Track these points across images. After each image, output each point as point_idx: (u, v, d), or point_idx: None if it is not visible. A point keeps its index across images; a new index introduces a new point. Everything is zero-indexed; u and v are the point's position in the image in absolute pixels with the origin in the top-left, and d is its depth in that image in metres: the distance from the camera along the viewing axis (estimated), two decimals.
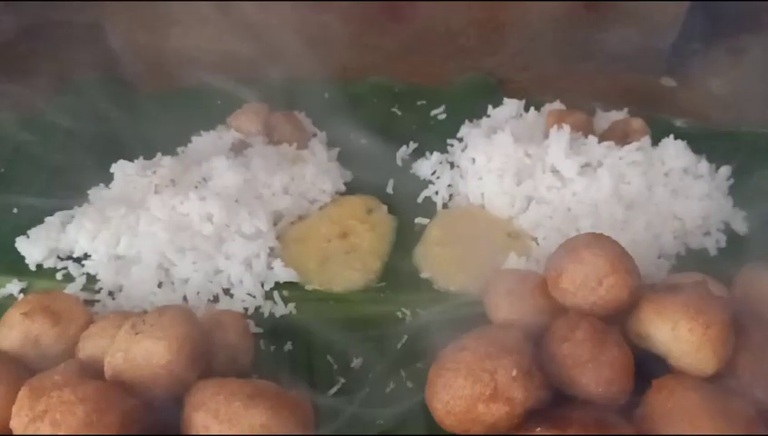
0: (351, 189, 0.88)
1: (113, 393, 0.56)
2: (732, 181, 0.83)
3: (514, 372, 0.57)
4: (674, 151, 0.83)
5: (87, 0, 0.98)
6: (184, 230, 0.75)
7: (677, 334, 0.59)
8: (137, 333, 0.58)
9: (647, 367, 0.62)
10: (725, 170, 0.83)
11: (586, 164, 0.81)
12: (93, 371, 0.61)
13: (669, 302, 0.60)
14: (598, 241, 0.64)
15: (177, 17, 0.96)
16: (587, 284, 0.62)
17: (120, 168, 0.82)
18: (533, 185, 0.81)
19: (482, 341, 0.59)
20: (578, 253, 0.63)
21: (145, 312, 0.71)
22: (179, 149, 0.89)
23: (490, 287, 0.68)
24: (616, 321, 0.63)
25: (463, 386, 0.57)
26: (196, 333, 0.60)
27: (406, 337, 0.71)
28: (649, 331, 0.61)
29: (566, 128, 0.82)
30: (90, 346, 0.63)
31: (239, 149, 0.86)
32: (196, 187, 0.78)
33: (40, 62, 1.06)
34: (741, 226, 0.80)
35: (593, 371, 0.58)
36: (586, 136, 0.84)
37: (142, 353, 0.57)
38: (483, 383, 0.56)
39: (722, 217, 0.80)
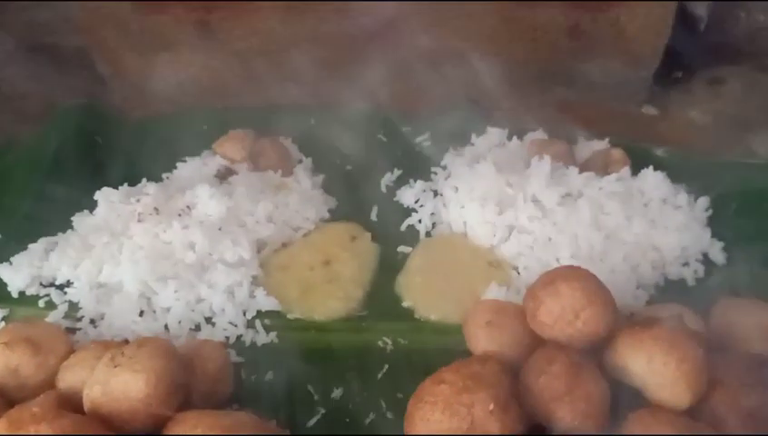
0: (336, 216, 0.88)
1: (91, 428, 0.56)
2: (710, 211, 0.84)
3: (491, 406, 0.57)
4: (653, 181, 0.84)
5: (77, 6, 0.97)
6: (167, 258, 0.75)
7: (652, 368, 0.60)
8: (116, 366, 0.59)
9: (623, 399, 0.62)
10: (704, 201, 0.84)
11: (567, 194, 0.82)
12: (72, 402, 0.61)
13: (645, 335, 0.61)
14: (576, 273, 0.65)
15: (164, 43, 0.96)
16: (564, 317, 0.63)
17: (104, 195, 0.82)
18: (514, 215, 0.81)
19: (460, 374, 0.60)
20: (556, 286, 0.64)
21: (126, 341, 0.72)
22: (164, 175, 0.90)
23: (470, 318, 0.69)
24: (594, 352, 0.64)
25: (440, 420, 0.57)
26: (175, 366, 0.60)
27: (387, 366, 0.71)
28: (625, 363, 0.61)
29: (548, 158, 0.83)
30: (69, 377, 0.63)
31: (224, 176, 0.87)
32: (179, 215, 0.78)
33: (27, 86, 1.06)
34: (719, 257, 0.80)
35: (569, 405, 0.59)
36: (567, 166, 0.85)
37: (121, 387, 0.57)
38: (460, 417, 0.57)
39: (700, 248, 0.81)
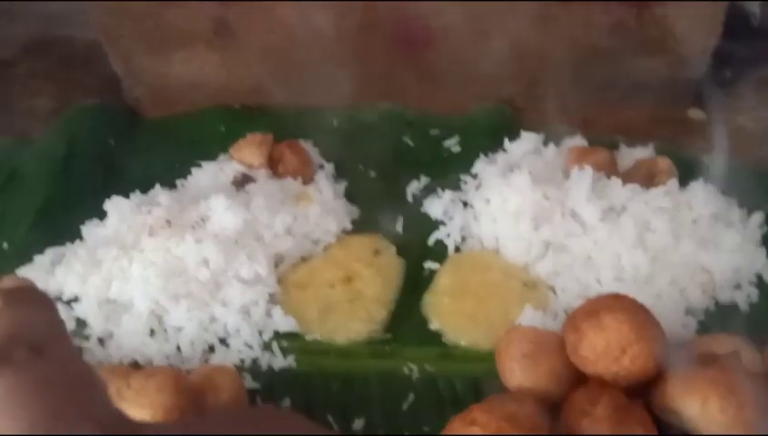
0: (358, 226, 0.83)
1: None
2: (765, 229, 0.78)
3: None
4: (703, 195, 0.78)
5: None
6: (179, 275, 0.71)
7: (707, 413, 0.54)
8: (121, 400, 0.55)
9: None
10: (758, 217, 0.78)
11: (609, 209, 0.76)
12: None
13: (699, 376, 0.55)
14: (622, 304, 0.59)
15: (179, 40, 0.92)
16: (610, 353, 0.57)
17: (114, 205, 0.78)
18: (551, 230, 0.76)
19: (494, 415, 0.55)
20: (599, 318, 0.58)
21: (135, 362, 0.68)
22: (178, 182, 0.85)
23: (504, 348, 0.63)
24: (640, 392, 0.59)
25: None
26: (184, 400, 0.56)
27: (412, 396, 0.66)
28: (676, 405, 0.56)
29: (588, 169, 0.77)
30: None
31: (241, 184, 0.82)
32: (193, 228, 0.73)
33: (38, 83, 1.02)
34: None
35: None
36: (609, 177, 0.79)
37: None
38: None
39: (754, 269, 0.74)
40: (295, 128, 0.93)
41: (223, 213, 0.74)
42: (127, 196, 0.80)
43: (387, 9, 0.90)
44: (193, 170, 0.86)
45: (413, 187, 0.87)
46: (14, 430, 0.22)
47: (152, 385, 0.55)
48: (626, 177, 0.80)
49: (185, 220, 0.74)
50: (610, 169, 0.81)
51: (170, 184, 0.84)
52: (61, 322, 0.26)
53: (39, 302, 0.26)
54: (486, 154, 0.88)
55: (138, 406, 0.54)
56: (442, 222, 0.82)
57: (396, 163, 0.92)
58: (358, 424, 0.64)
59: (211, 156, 0.88)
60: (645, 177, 0.81)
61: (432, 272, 0.78)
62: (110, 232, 0.76)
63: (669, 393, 0.56)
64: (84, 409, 0.23)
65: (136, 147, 0.93)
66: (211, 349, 0.70)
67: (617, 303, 0.59)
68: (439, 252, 0.80)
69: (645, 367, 0.57)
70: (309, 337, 0.71)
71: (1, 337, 0.25)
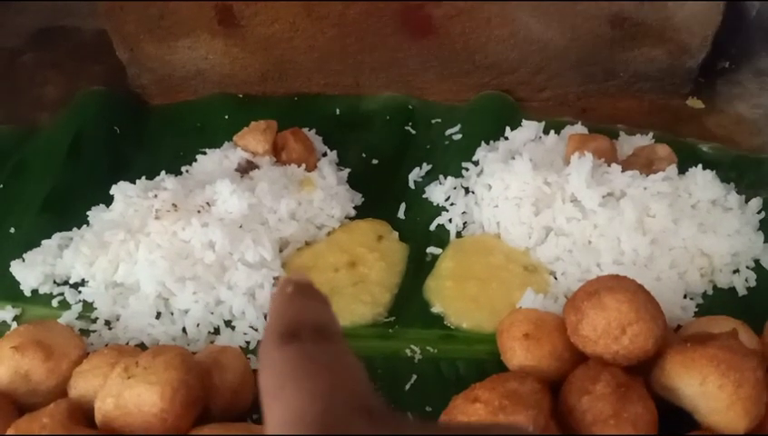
0: (361, 212, 0.84)
1: None
2: (762, 214, 0.78)
3: (530, 429, 0.53)
4: (701, 181, 0.79)
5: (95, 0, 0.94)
6: (185, 258, 0.72)
7: (706, 390, 0.55)
8: (129, 377, 0.55)
9: (672, 422, 0.58)
10: (756, 202, 0.79)
11: (609, 194, 0.77)
12: (83, 412, 0.58)
13: (698, 354, 0.56)
14: (622, 285, 0.60)
15: (184, 29, 0.92)
16: (610, 332, 0.58)
17: (120, 190, 0.78)
18: (552, 216, 0.76)
19: (496, 392, 0.56)
20: (600, 298, 0.59)
21: (141, 344, 0.69)
22: (183, 168, 0.86)
23: (505, 329, 0.64)
24: (640, 370, 0.60)
25: None
26: (192, 378, 0.57)
27: (415, 377, 0.67)
28: (675, 384, 0.57)
29: (588, 156, 0.78)
30: (81, 384, 0.60)
31: (245, 170, 0.82)
32: (199, 212, 0.74)
33: (45, 72, 1.03)
34: None
35: (614, 429, 0.54)
36: (609, 164, 0.80)
37: (134, 400, 0.54)
38: None
39: (752, 254, 0.75)
40: (298, 116, 0.93)
41: (229, 198, 0.75)
42: (133, 182, 0.80)
43: None
44: (198, 157, 0.87)
45: (415, 174, 0.88)
46: (297, 397, 0.24)
47: (160, 363, 0.56)
48: (626, 164, 0.81)
49: (191, 204, 0.75)
50: (610, 156, 0.81)
51: (175, 171, 0.85)
52: (336, 318, 0.29)
53: (321, 298, 0.29)
54: (487, 142, 0.89)
55: (146, 383, 0.55)
56: (444, 208, 0.83)
57: (398, 150, 0.92)
58: None
59: (216, 144, 0.88)
60: (645, 164, 0.82)
61: (434, 257, 0.78)
62: (116, 216, 0.76)
63: (668, 371, 0.57)
64: (358, 395, 0.25)
65: (142, 135, 0.94)
66: (217, 331, 0.71)
67: (617, 284, 0.60)
68: (441, 238, 0.81)
69: (645, 346, 0.58)
70: None
71: (292, 319, 0.27)
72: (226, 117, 0.95)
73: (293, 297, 0.28)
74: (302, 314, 0.28)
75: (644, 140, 0.88)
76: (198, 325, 0.70)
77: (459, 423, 0.31)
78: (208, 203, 0.75)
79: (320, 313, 0.28)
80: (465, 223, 0.82)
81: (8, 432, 0.55)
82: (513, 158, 0.82)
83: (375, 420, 0.24)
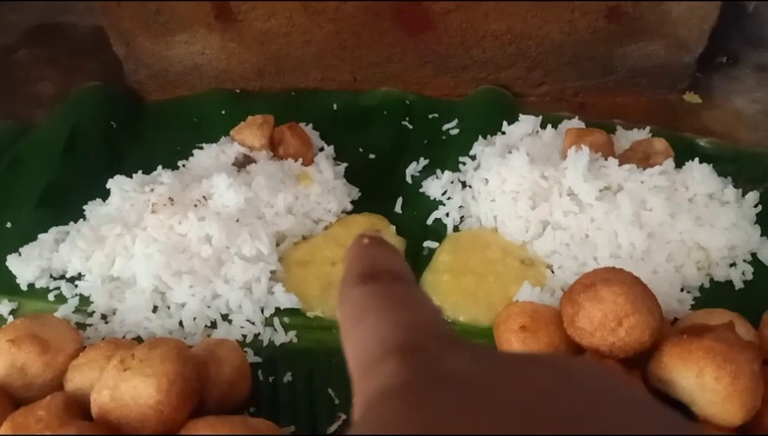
0: (358, 207, 0.84)
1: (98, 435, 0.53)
2: (759, 208, 0.79)
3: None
4: (698, 175, 0.79)
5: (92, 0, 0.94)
6: (182, 252, 0.71)
7: (702, 382, 0.55)
8: (125, 370, 0.55)
9: None
10: (753, 196, 0.79)
11: (606, 188, 0.77)
12: (80, 405, 0.58)
13: (695, 346, 0.56)
14: (618, 277, 0.60)
15: (181, 24, 0.92)
16: (606, 325, 0.58)
17: (117, 184, 0.78)
18: (549, 210, 0.76)
19: None
20: (596, 290, 0.59)
21: (138, 337, 0.69)
22: (180, 163, 0.86)
23: (502, 321, 0.64)
24: (636, 363, 0.60)
25: None
26: (188, 370, 0.56)
27: None
28: (672, 376, 0.57)
29: (585, 149, 0.78)
30: (78, 378, 0.60)
31: (242, 164, 0.82)
32: (195, 206, 0.74)
33: (41, 69, 1.03)
34: None
35: None
36: (606, 158, 0.80)
37: (130, 392, 0.54)
38: None
39: (749, 247, 0.75)
40: (295, 111, 0.93)
41: (225, 192, 0.75)
42: (130, 177, 0.80)
43: None
44: (195, 151, 0.87)
45: (412, 168, 0.88)
46: (379, 325, 0.25)
47: (156, 355, 0.56)
48: (623, 158, 0.81)
49: (188, 198, 0.75)
50: (607, 150, 0.81)
51: (172, 166, 0.85)
52: (409, 267, 0.29)
53: (395, 249, 0.30)
54: (484, 137, 0.89)
55: (142, 375, 0.55)
56: (441, 203, 0.83)
57: (395, 145, 0.92)
58: None
59: (213, 139, 0.88)
60: (642, 158, 0.82)
61: (431, 251, 0.78)
62: (113, 210, 0.76)
63: (665, 364, 0.57)
64: (437, 327, 0.26)
65: (138, 130, 0.94)
66: (214, 325, 0.71)
67: (614, 276, 0.60)
68: (438, 232, 0.81)
69: (641, 338, 0.58)
70: (310, 313, 0.72)
71: (370, 263, 0.28)
72: (223, 112, 0.95)
73: (370, 246, 0.30)
74: (380, 260, 0.29)
75: (641, 134, 0.88)
76: (195, 319, 0.70)
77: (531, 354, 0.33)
78: (204, 198, 0.75)
79: (396, 260, 0.29)
80: (462, 218, 0.82)
81: (4, 425, 0.55)
82: (510, 152, 0.82)
83: (455, 347, 0.24)
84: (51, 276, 0.74)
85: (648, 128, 0.89)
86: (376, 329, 0.25)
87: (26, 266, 0.73)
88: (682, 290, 0.72)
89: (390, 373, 0.23)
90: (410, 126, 0.95)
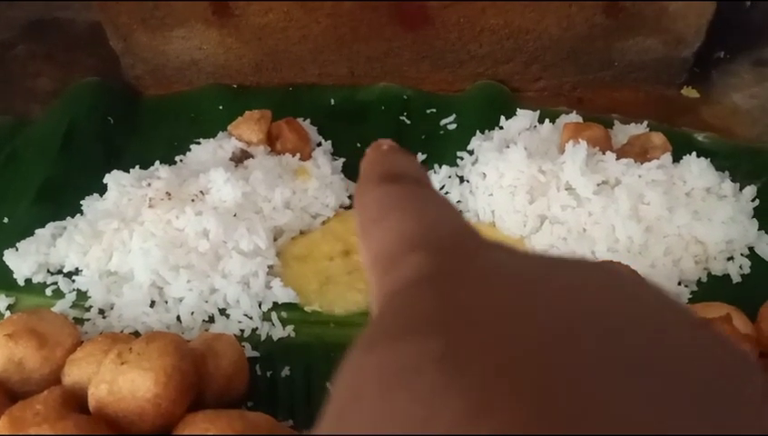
0: None
1: (95, 429, 0.53)
2: (757, 202, 0.79)
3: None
4: (696, 169, 0.79)
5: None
6: (179, 247, 0.71)
7: None
8: (123, 363, 0.55)
9: None
10: (750, 190, 0.79)
11: (603, 182, 0.77)
12: (77, 399, 0.58)
13: None
14: (614, 269, 0.60)
15: (178, 19, 0.92)
16: None
17: (114, 179, 0.78)
18: (546, 204, 0.76)
19: None
20: None
21: (136, 332, 0.69)
22: (177, 158, 0.86)
23: None
24: None
25: None
26: (186, 364, 0.57)
27: None
28: None
29: (583, 144, 0.78)
30: (75, 372, 0.60)
31: (239, 159, 0.82)
32: (193, 201, 0.74)
33: (38, 64, 1.03)
34: (766, 251, 0.75)
35: None
36: (604, 152, 0.80)
37: (128, 386, 0.54)
38: None
39: (746, 241, 0.75)
40: (293, 106, 0.93)
41: (223, 186, 0.75)
42: (127, 172, 0.80)
43: None
44: (192, 147, 0.87)
45: None
46: (402, 221, 0.24)
47: (154, 349, 0.56)
48: (620, 153, 0.81)
49: (185, 192, 0.75)
50: (604, 144, 0.81)
51: (169, 162, 0.85)
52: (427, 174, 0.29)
53: (414, 156, 0.29)
54: (482, 132, 0.89)
55: (140, 369, 0.55)
56: None
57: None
58: None
59: (210, 134, 0.88)
60: (639, 153, 0.82)
61: None
62: (110, 205, 0.76)
63: None
64: (463, 225, 0.24)
65: (136, 125, 0.94)
66: (211, 319, 0.71)
67: (608, 265, 0.60)
68: None
69: None
70: (308, 308, 0.72)
71: (391, 166, 0.27)
72: (220, 107, 0.95)
73: (390, 152, 0.29)
74: (401, 164, 0.28)
75: (638, 129, 0.88)
76: (192, 313, 0.70)
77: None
78: (202, 192, 0.75)
79: (416, 165, 0.28)
80: (460, 212, 0.81)
81: (2, 420, 0.54)
82: (508, 147, 0.82)
83: (487, 245, 0.23)
84: (48, 271, 0.74)
85: (646, 123, 0.89)
86: (400, 226, 0.24)
87: (23, 261, 0.73)
88: (679, 283, 0.72)
89: (418, 265, 0.21)
90: (408, 121, 0.95)
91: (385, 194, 0.25)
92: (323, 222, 0.80)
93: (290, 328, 0.70)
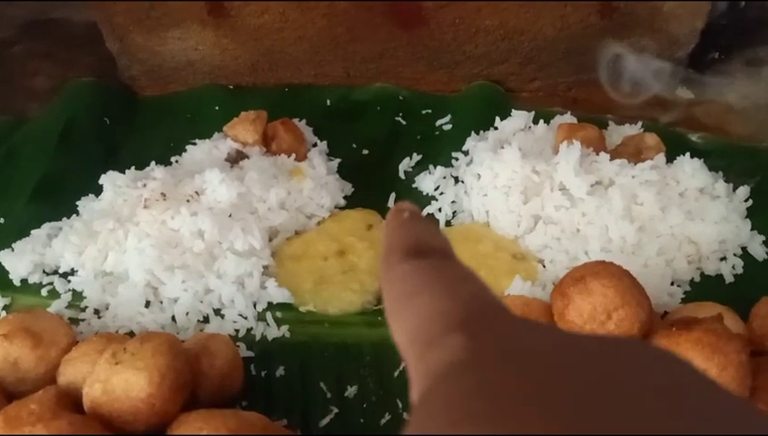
0: (351, 202, 0.84)
1: (90, 428, 0.53)
2: (750, 202, 0.79)
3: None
4: (689, 169, 0.79)
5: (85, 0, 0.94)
6: (174, 247, 0.72)
7: None
8: (117, 363, 0.55)
9: None
10: (743, 190, 0.79)
11: (597, 183, 0.77)
12: (72, 398, 0.58)
13: (683, 338, 0.56)
14: (608, 270, 0.61)
15: (174, 19, 0.92)
16: (596, 317, 0.59)
17: (109, 179, 0.78)
18: (540, 204, 0.77)
19: None
20: (586, 283, 0.60)
21: (131, 332, 0.69)
22: (173, 158, 0.86)
23: None
24: None
25: None
26: (180, 363, 0.57)
27: (403, 364, 0.67)
28: None
29: (577, 144, 0.78)
30: (70, 371, 0.60)
31: (235, 160, 0.83)
32: (188, 201, 0.74)
33: (35, 63, 1.03)
34: (759, 251, 0.76)
35: None
36: (598, 153, 0.80)
37: (122, 385, 0.54)
38: None
39: (739, 241, 0.76)
40: (289, 107, 0.94)
41: (218, 187, 0.75)
42: (123, 172, 0.80)
43: None
44: (188, 147, 0.87)
45: (405, 164, 0.88)
46: (437, 300, 0.24)
47: (148, 349, 0.56)
48: (615, 153, 0.81)
49: (180, 193, 0.75)
50: (598, 145, 0.82)
51: (165, 161, 0.85)
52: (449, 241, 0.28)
53: (436, 224, 0.29)
54: (477, 132, 0.89)
55: (134, 369, 0.55)
56: (434, 198, 0.83)
57: (388, 141, 0.93)
58: (351, 391, 0.66)
59: (206, 135, 0.88)
60: (633, 153, 0.82)
61: None
62: (106, 205, 0.77)
63: None
64: (498, 306, 0.25)
65: (132, 125, 0.94)
66: (206, 319, 0.71)
67: (603, 269, 0.61)
68: None
69: (630, 331, 0.58)
70: (302, 308, 0.72)
71: (416, 238, 0.27)
72: (216, 108, 0.95)
73: (412, 220, 0.28)
74: (426, 235, 0.28)
75: (633, 129, 0.89)
76: (187, 314, 0.70)
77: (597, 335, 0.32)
78: (197, 193, 0.75)
79: (440, 236, 0.28)
80: (454, 212, 0.82)
81: None
82: (502, 147, 0.82)
83: (519, 324, 0.24)
84: (44, 271, 0.75)
85: (640, 123, 0.89)
86: (434, 304, 0.24)
87: (19, 261, 0.74)
88: (672, 283, 0.72)
89: (457, 347, 0.22)
90: (403, 122, 0.95)
91: (413, 271, 0.26)
92: (318, 223, 0.81)
93: (284, 328, 0.71)
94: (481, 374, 0.21)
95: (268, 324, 0.71)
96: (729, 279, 0.74)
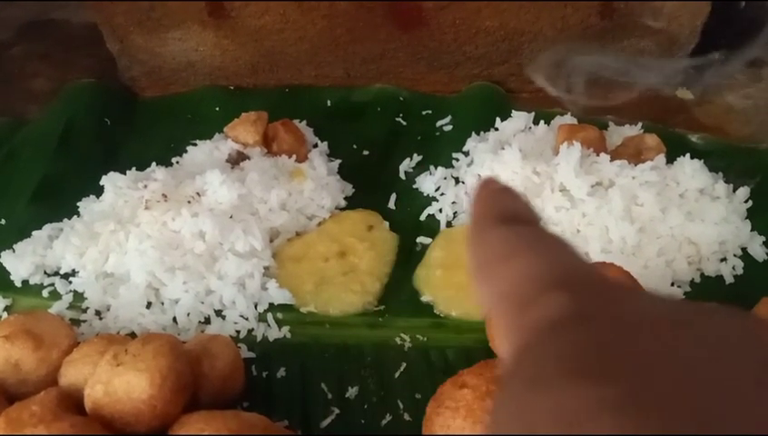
0: (352, 203, 0.84)
1: (91, 430, 0.53)
2: (750, 203, 0.79)
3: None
4: (690, 170, 0.79)
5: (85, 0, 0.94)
6: (175, 248, 0.72)
7: None
8: (118, 365, 0.56)
9: None
10: (744, 191, 0.79)
11: (597, 184, 0.77)
12: (73, 400, 0.58)
13: None
14: (607, 270, 0.61)
15: (174, 20, 0.92)
16: None
17: (110, 180, 0.78)
18: (541, 205, 0.77)
19: (483, 377, 0.56)
20: None
21: (132, 333, 0.69)
22: (174, 159, 0.86)
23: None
24: None
25: (462, 427, 0.54)
26: (181, 365, 0.57)
27: (404, 365, 0.68)
28: None
29: (577, 145, 0.78)
30: (72, 373, 0.60)
31: (235, 161, 0.83)
32: (189, 202, 0.74)
33: (35, 65, 1.03)
34: (759, 252, 0.76)
35: None
36: (598, 153, 0.80)
37: (124, 387, 0.54)
38: (484, 425, 0.53)
39: (739, 242, 0.76)
40: (289, 108, 0.94)
41: (219, 188, 0.75)
42: (124, 173, 0.80)
43: None
44: (189, 148, 0.87)
45: (406, 165, 0.88)
46: (534, 262, 0.24)
47: (149, 350, 0.56)
48: (615, 154, 0.82)
49: (181, 194, 0.75)
50: (599, 146, 0.82)
51: (165, 163, 0.85)
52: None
53: (525, 198, 0.28)
54: (477, 133, 0.89)
55: (135, 370, 0.55)
56: (434, 198, 0.84)
57: (389, 141, 0.93)
58: (352, 392, 0.66)
59: (207, 136, 0.89)
60: (633, 154, 0.82)
61: (424, 247, 0.79)
62: (106, 206, 0.77)
63: None
64: (598, 272, 0.24)
65: (132, 126, 0.94)
66: (207, 320, 0.71)
67: (603, 270, 0.61)
68: (431, 227, 0.81)
69: None
70: (303, 309, 0.72)
71: (508, 206, 0.27)
72: (217, 109, 0.95)
73: (503, 191, 0.28)
74: (516, 204, 0.27)
75: (633, 130, 0.89)
76: (188, 315, 0.70)
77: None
78: (198, 194, 0.75)
79: (530, 207, 0.28)
80: (455, 213, 0.82)
81: None
82: (503, 148, 0.82)
83: (622, 288, 0.23)
84: (45, 272, 0.75)
85: (640, 124, 0.89)
86: (531, 265, 0.24)
87: (20, 262, 0.74)
88: (672, 284, 0.73)
89: (559, 304, 0.21)
90: (404, 122, 0.95)
91: (510, 234, 0.25)
92: (319, 224, 0.81)
93: (285, 329, 0.71)
94: (590, 332, 0.20)
95: (269, 325, 0.71)
96: (729, 280, 0.74)
